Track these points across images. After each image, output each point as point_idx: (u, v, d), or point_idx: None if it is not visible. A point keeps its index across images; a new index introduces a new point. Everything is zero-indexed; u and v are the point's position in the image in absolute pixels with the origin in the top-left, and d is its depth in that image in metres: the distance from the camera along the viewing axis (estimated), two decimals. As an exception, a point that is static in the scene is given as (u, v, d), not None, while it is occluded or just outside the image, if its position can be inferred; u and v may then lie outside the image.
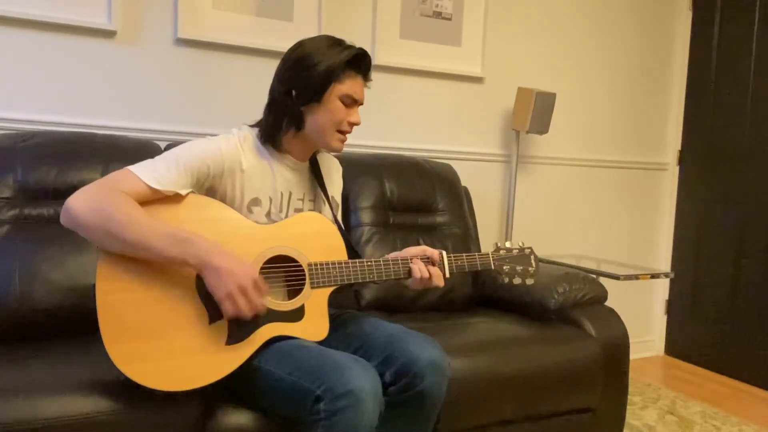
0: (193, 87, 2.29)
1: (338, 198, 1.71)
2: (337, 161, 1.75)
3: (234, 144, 1.47)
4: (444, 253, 1.56)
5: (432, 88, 2.73)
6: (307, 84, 1.45)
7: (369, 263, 1.49)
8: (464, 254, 1.59)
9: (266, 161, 1.51)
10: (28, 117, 2.05)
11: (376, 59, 2.56)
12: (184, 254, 1.26)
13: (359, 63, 1.49)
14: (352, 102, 1.50)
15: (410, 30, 2.64)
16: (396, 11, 2.60)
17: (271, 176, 1.51)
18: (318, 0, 2.42)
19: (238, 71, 2.35)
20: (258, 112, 1.55)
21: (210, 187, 1.44)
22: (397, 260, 1.52)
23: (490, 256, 1.62)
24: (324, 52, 1.45)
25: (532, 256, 1.67)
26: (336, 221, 1.60)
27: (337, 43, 1.49)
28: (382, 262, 1.50)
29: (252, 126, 1.55)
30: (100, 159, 1.85)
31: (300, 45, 1.50)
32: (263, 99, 1.55)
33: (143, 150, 1.91)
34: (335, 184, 1.71)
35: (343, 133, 1.52)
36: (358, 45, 1.52)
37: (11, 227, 1.71)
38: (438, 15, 2.69)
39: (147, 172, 1.33)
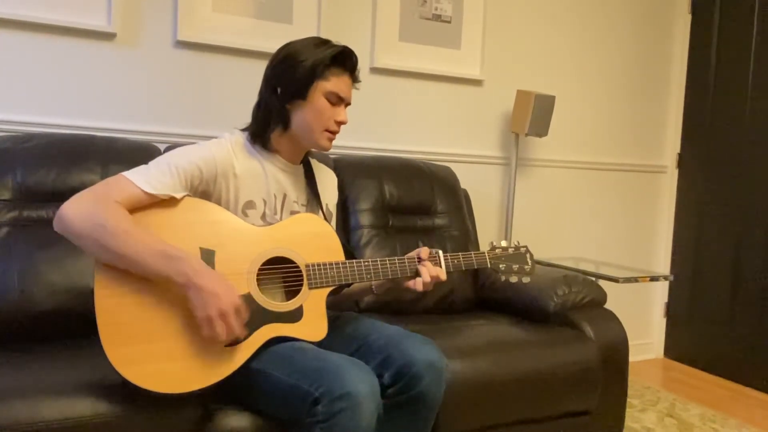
0: (193, 89, 2.29)
1: (332, 208, 1.70)
2: (332, 172, 1.75)
3: (226, 148, 1.48)
4: (440, 252, 1.56)
5: (431, 91, 2.73)
6: (291, 81, 1.46)
7: (366, 263, 1.49)
8: (460, 253, 1.59)
9: (258, 163, 1.51)
10: (27, 119, 2.05)
11: (376, 62, 2.56)
12: (171, 271, 1.26)
13: (344, 60, 1.49)
14: (338, 100, 1.50)
15: (409, 33, 2.64)
16: (395, 14, 2.60)
17: (264, 178, 1.51)
18: (317, 2, 2.43)
19: (238, 73, 2.35)
20: (258, 115, 1.56)
21: (203, 191, 1.44)
22: (394, 260, 1.52)
23: (486, 254, 1.63)
24: (309, 50, 1.46)
25: (528, 255, 1.67)
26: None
27: (322, 42, 1.49)
28: (379, 262, 1.50)
29: (242, 130, 1.55)
30: (99, 161, 1.85)
31: (286, 45, 1.51)
32: (263, 101, 1.55)
33: (142, 152, 1.91)
34: (329, 194, 1.70)
35: (330, 132, 1.52)
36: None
37: (11, 229, 1.72)
38: (437, 18, 2.69)
39: (141, 177, 1.34)
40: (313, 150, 1.61)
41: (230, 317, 1.26)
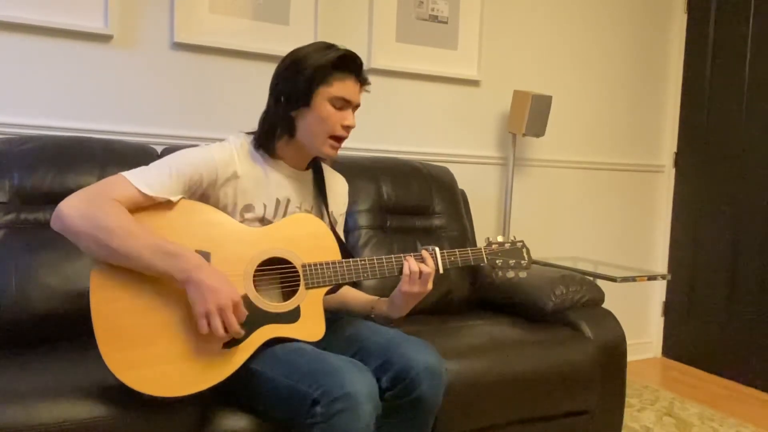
0: (190, 91, 2.29)
1: (338, 215, 1.68)
2: (343, 179, 1.74)
3: (229, 152, 1.47)
4: (437, 249, 1.55)
5: (428, 92, 2.73)
6: (294, 89, 1.45)
7: (363, 261, 1.49)
8: (457, 249, 1.59)
9: (261, 168, 1.51)
10: (24, 121, 2.04)
11: (373, 63, 2.56)
12: (171, 268, 1.26)
13: (347, 64, 1.47)
14: (344, 104, 1.48)
15: (406, 33, 2.64)
16: (392, 15, 2.60)
17: (266, 183, 1.51)
18: (314, 3, 2.43)
19: (235, 75, 2.35)
20: (255, 116, 1.55)
21: (203, 194, 1.44)
22: (390, 257, 1.51)
23: (483, 250, 1.62)
24: (312, 56, 1.45)
25: (524, 249, 1.67)
26: (336, 236, 1.55)
27: (327, 47, 1.48)
28: (375, 260, 1.50)
29: (248, 133, 1.55)
30: (96, 163, 1.84)
31: (292, 52, 1.50)
32: (260, 103, 1.55)
33: (139, 154, 1.91)
34: (338, 201, 1.69)
35: (338, 139, 1.50)
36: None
37: (7, 232, 1.71)
38: (434, 18, 2.69)
39: (140, 179, 1.34)
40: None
41: (228, 313, 1.26)
